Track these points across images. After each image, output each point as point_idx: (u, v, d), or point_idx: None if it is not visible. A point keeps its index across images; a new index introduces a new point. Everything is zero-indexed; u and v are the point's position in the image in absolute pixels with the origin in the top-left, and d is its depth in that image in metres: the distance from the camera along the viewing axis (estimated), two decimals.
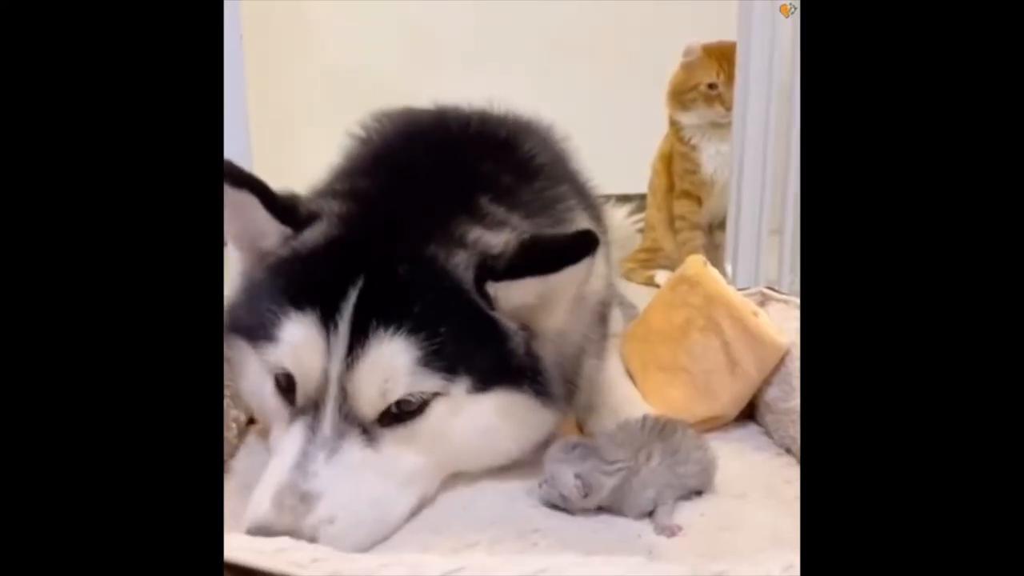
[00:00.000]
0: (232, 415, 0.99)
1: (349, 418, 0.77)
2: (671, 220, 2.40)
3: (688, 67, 2.26)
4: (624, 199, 2.43)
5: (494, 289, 0.81)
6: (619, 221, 2.35)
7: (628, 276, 2.37)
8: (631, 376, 1.13)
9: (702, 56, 2.23)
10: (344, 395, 0.77)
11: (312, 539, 0.71)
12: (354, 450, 0.77)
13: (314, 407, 0.78)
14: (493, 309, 0.81)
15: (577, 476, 0.79)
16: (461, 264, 0.81)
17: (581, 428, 1.05)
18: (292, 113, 2.63)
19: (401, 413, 0.79)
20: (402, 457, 0.80)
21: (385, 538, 0.78)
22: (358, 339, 0.76)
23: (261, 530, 0.71)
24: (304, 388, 0.79)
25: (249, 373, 0.86)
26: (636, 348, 1.16)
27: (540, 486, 0.81)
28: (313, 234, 0.85)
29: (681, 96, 2.26)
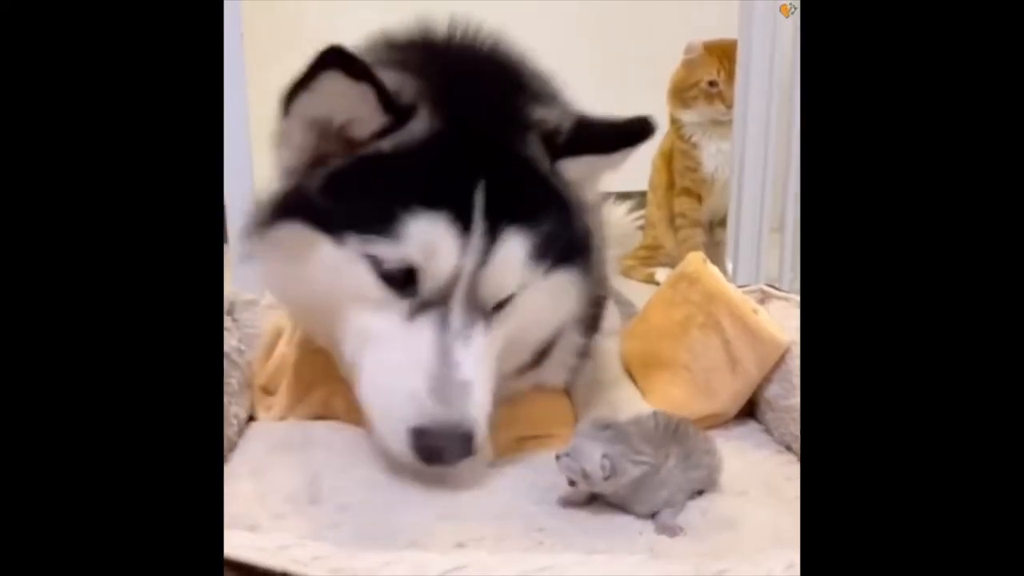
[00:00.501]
0: (232, 411, 0.99)
1: (475, 309, 0.82)
2: (671, 217, 2.40)
3: (689, 64, 2.26)
4: (624, 196, 2.43)
5: (560, 166, 0.86)
6: (619, 218, 2.35)
7: (628, 273, 2.37)
8: (631, 374, 1.13)
9: (703, 54, 2.23)
10: (472, 289, 0.81)
11: (476, 426, 0.78)
12: (480, 337, 0.82)
13: (441, 300, 0.81)
14: (566, 187, 0.86)
15: (605, 456, 0.77)
16: (539, 150, 0.85)
17: None
18: None
19: (503, 300, 0.84)
20: (497, 339, 0.85)
21: None
22: (491, 237, 0.80)
23: (433, 428, 0.77)
24: (433, 282, 0.80)
25: (319, 261, 0.84)
26: (636, 346, 1.16)
27: (558, 458, 0.79)
28: (419, 128, 0.82)
29: (682, 93, 2.26)
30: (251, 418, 1.07)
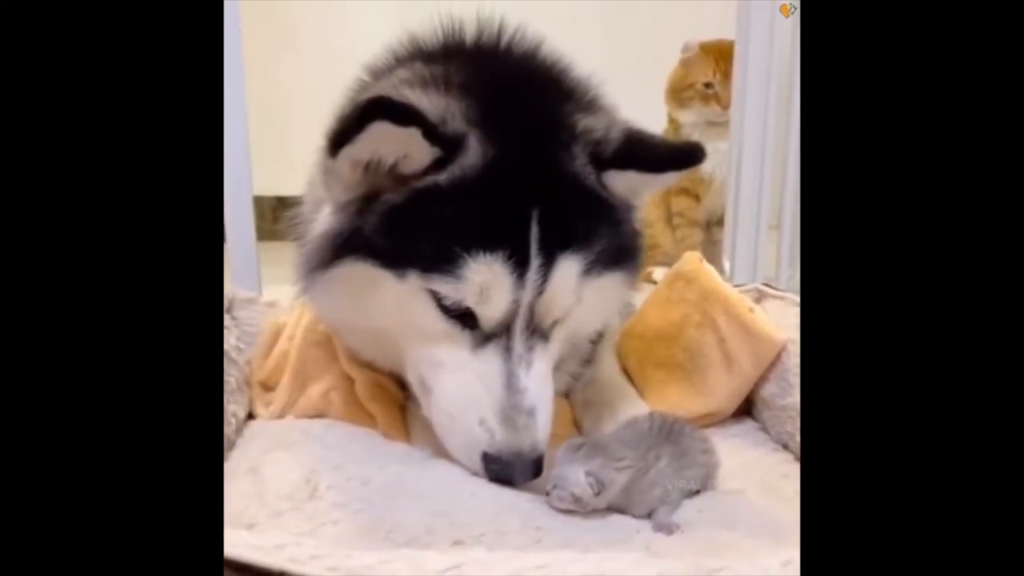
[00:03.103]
0: (231, 410, 0.99)
1: (534, 331, 0.84)
2: (669, 216, 2.41)
3: (685, 64, 2.27)
4: None
5: (604, 178, 0.87)
6: None
7: None
8: (628, 373, 1.14)
9: (699, 54, 2.23)
10: (531, 314, 0.83)
11: (542, 447, 0.82)
12: (540, 357, 0.85)
13: (504, 330, 0.83)
14: (612, 196, 0.87)
15: (588, 474, 0.78)
16: (585, 163, 0.85)
17: (578, 426, 1.05)
18: (289, 103, 2.63)
19: None
20: (557, 346, 0.89)
21: None
22: (546, 268, 0.81)
23: (505, 455, 0.81)
24: (493, 318, 0.82)
25: (381, 297, 0.85)
26: (633, 345, 1.16)
27: (548, 493, 0.81)
28: (471, 160, 0.81)
29: (679, 93, 2.27)
30: (250, 416, 1.07)
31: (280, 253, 1.47)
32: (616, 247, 0.88)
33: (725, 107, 2.12)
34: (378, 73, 0.97)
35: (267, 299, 1.22)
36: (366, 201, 0.84)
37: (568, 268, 0.82)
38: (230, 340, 1.07)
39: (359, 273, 0.84)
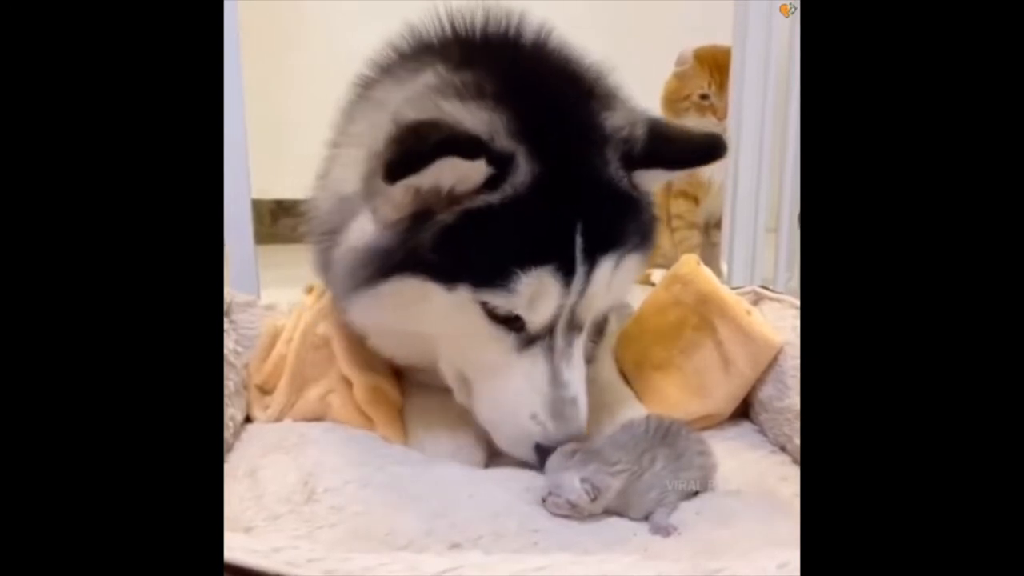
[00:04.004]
0: (228, 414, 0.99)
1: (573, 327, 0.89)
2: (668, 219, 2.41)
3: (680, 76, 2.27)
4: None
5: (633, 177, 0.89)
6: None
7: None
8: (625, 375, 1.14)
9: (694, 65, 2.24)
10: (572, 314, 0.88)
11: (584, 437, 0.88)
12: (576, 347, 0.90)
13: (548, 331, 0.87)
14: (637, 191, 0.90)
15: (583, 480, 0.79)
16: (617, 165, 0.88)
17: None
18: (288, 105, 2.63)
19: None
20: (585, 330, 0.93)
21: None
22: (589, 272, 0.85)
23: (554, 441, 0.86)
24: (538, 323, 0.86)
25: (430, 308, 0.86)
26: (630, 347, 1.16)
27: (544, 501, 0.81)
28: (521, 178, 0.82)
29: (674, 105, 2.27)
30: (247, 419, 1.07)
31: (278, 256, 1.47)
32: (640, 236, 0.91)
33: (721, 118, 2.12)
34: (384, 69, 0.98)
35: (265, 302, 1.22)
36: (415, 220, 0.84)
37: (606, 268, 0.86)
38: (228, 344, 1.07)
39: (409, 288, 0.85)
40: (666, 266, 2.15)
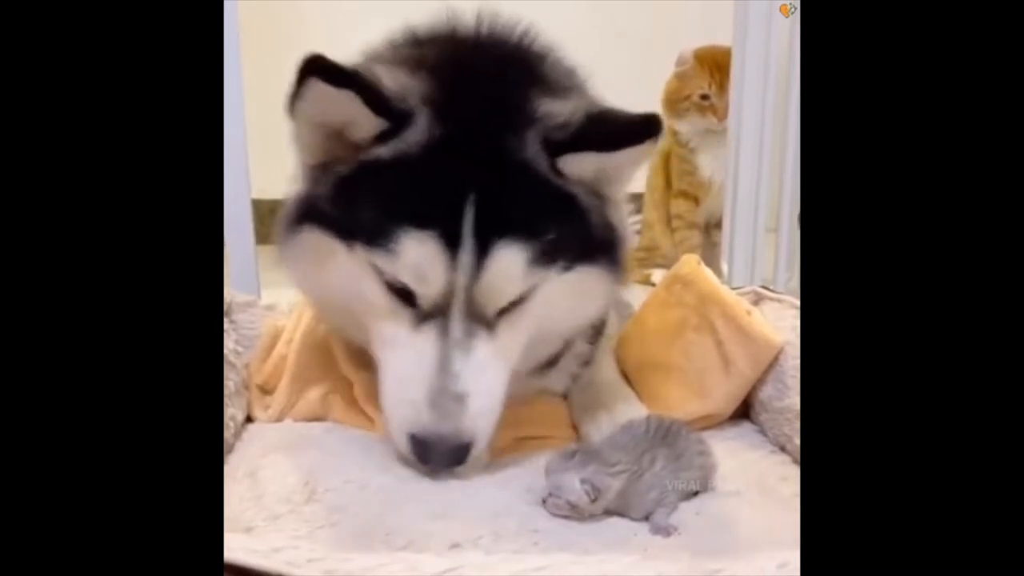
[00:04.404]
0: (229, 414, 0.99)
1: (475, 318, 0.83)
2: (668, 219, 2.41)
3: (681, 77, 2.27)
4: None
5: (562, 163, 0.84)
6: None
7: None
8: (626, 376, 1.14)
9: (694, 65, 2.24)
10: (469, 300, 0.82)
11: (471, 436, 0.82)
12: (481, 345, 0.83)
13: (441, 311, 0.82)
14: (571, 184, 0.85)
15: (583, 481, 0.78)
16: (538, 149, 0.83)
17: (576, 428, 1.05)
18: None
19: (511, 302, 0.84)
20: (510, 338, 0.86)
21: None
22: (481, 252, 0.80)
23: (428, 437, 0.81)
24: (428, 298, 0.82)
25: (337, 267, 0.86)
26: (631, 347, 1.16)
27: (544, 502, 0.81)
28: (416, 136, 0.82)
29: (675, 105, 2.27)
30: (248, 419, 1.07)
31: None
32: (582, 240, 0.86)
33: (722, 118, 2.12)
34: (370, 56, 0.98)
35: (266, 302, 1.22)
36: (324, 169, 0.86)
37: (508, 255, 0.80)
38: (228, 344, 1.07)
39: (316, 241, 0.86)
40: (666, 266, 2.16)
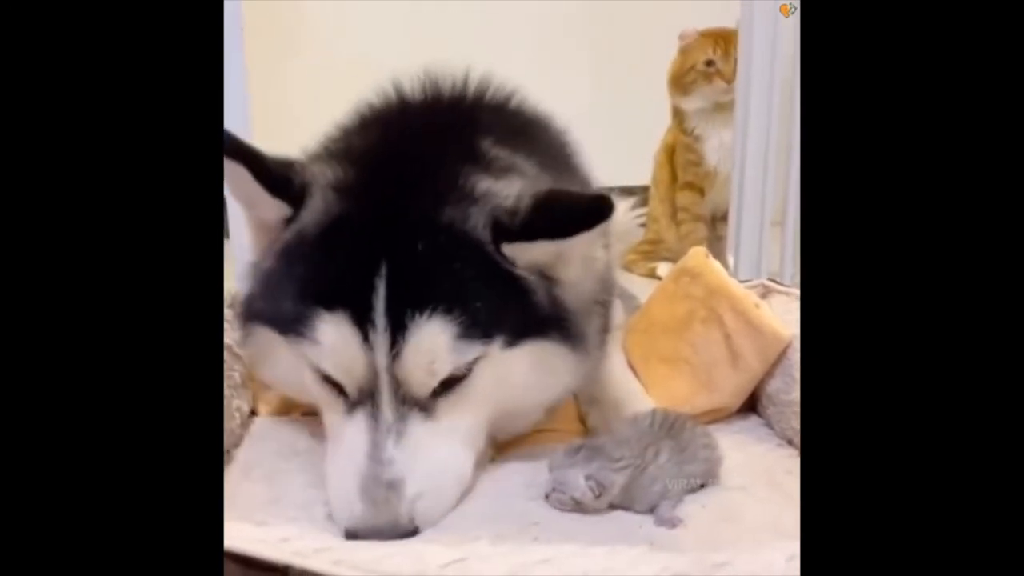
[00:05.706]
0: (235, 405, 0.99)
1: (406, 400, 0.78)
2: (674, 212, 2.40)
3: (684, 50, 2.26)
4: (627, 192, 2.43)
5: (509, 249, 0.81)
6: (622, 214, 2.35)
7: (630, 268, 2.37)
8: (633, 368, 1.13)
9: (698, 38, 2.22)
10: (396, 381, 0.78)
11: (410, 522, 0.75)
12: (417, 427, 0.78)
13: (369, 396, 0.78)
14: (513, 265, 0.81)
15: (588, 477, 0.78)
16: (478, 224, 0.80)
17: (583, 421, 1.05)
18: (292, 104, 2.63)
19: (449, 381, 0.79)
20: (457, 418, 0.81)
21: (463, 496, 0.82)
22: (398, 330, 0.76)
23: (363, 531, 0.74)
24: (353, 384, 0.79)
25: (281, 361, 0.86)
26: (638, 340, 1.16)
27: (547, 497, 0.81)
28: (313, 214, 0.82)
29: (681, 79, 2.25)
30: (253, 412, 1.07)
31: None
32: (525, 314, 0.82)
33: (729, 81, 2.09)
34: (344, 131, 0.99)
35: None
36: (257, 265, 0.88)
37: (429, 332, 0.76)
38: (234, 335, 1.07)
39: (262, 337, 0.87)
40: (672, 259, 2.15)
